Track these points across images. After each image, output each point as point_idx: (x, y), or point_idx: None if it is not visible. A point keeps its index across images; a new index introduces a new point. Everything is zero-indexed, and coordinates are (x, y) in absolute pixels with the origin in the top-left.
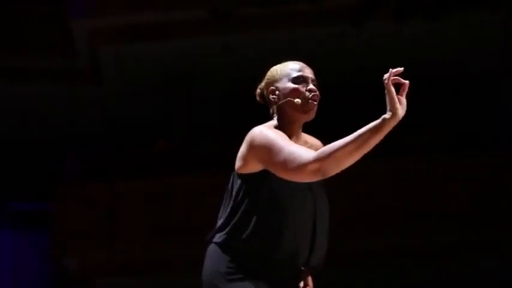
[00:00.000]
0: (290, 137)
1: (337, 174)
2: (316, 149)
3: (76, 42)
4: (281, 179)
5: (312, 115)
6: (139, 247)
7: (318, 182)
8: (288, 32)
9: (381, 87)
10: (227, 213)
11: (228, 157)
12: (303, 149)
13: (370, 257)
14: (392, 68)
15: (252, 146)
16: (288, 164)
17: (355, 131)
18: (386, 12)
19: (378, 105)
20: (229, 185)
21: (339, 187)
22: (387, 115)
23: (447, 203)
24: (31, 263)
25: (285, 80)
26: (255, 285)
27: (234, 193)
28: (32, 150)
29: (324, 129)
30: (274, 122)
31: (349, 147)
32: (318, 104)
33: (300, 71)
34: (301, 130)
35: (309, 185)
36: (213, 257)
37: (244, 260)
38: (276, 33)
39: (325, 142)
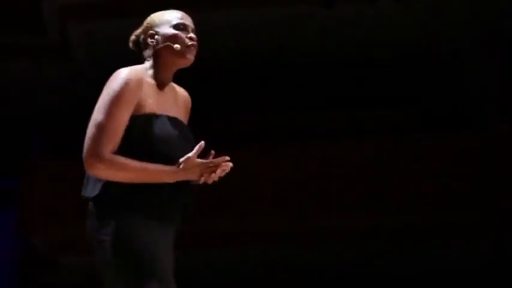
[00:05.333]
0: (162, 83)
1: (310, 156)
2: (184, 100)
3: (46, 19)
4: (150, 120)
5: (189, 62)
6: None
7: (186, 130)
8: (258, 11)
9: (349, 67)
10: None
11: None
12: (111, 138)
13: (339, 237)
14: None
15: (105, 87)
16: (91, 134)
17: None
18: None
19: (345, 84)
20: None
21: (310, 167)
22: (175, 168)
23: (417, 183)
24: None
25: (165, 25)
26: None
27: None
28: (1, 127)
29: (294, 106)
30: (147, 65)
31: (131, 175)
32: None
33: (181, 18)
34: (172, 77)
35: (180, 130)
36: (99, 214)
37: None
38: (245, 13)
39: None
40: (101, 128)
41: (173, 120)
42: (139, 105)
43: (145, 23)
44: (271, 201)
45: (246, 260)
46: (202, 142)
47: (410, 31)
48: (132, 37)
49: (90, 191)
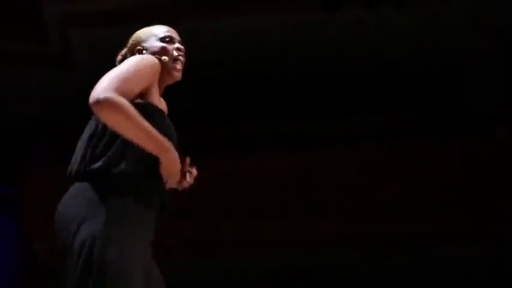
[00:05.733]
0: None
1: (310, 161)
2: (163, 107)
3: (48, 26)
4: (163, 116)
5: (176, 78)
6: None
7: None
8: (259, 18)
9: (352, 73)
10: (102, 144)
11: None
12: (127, 88)
13: (342, 243)
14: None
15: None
16: (106, 77)
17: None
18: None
19: (345, 90)
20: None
21: (312, 173)
22: (167, 153)
23: (418, 189)
24: None
25: (152, 39)
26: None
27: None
28: (1, 133)
29: (294, 113)
30: None
31: (133, 128)
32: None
33: (167, 31)
34: (162, 93)
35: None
36: (84, 196)
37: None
38: (246, 20)
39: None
40: (119, 75)
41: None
42: (150, 90)
43: (130, 41)
44: (272, 208)
45: (246, 268)
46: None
47: (411, 37)
48: (119, 57)
49: (84, 167)
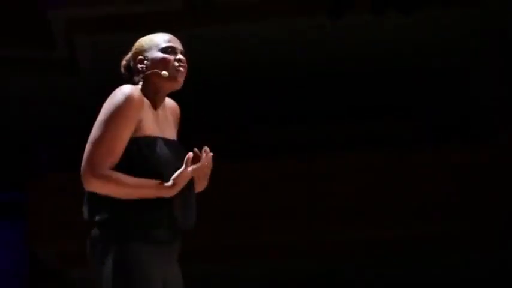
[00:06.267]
0: (155, 105)
1: (311, 167)
2: (172, 112)
3: (53, 32)
4: (151, 143)
5: (178, 85)
6: None
7: (182, 153)
8: (264, 24)
9: (356, 78)
10: None
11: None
12: (109, 154)
13: (342, 247)
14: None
15: (106, 102)
16: (89, 150)
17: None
18: (362, 4)
19: (350, 96)
20: None
21: (313, 178)
22: (169, 183)
23: (422, 194)
24: (2, 256)
25: (154, 49)
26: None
27: None
28: (6, 140)
29: (306, 118)
30: (140, 87)
31: (124, 191)
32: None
33: (169, 41)
34: (164, 99)
35: (177, 153)
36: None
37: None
38: (250, 25)
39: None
40: (99, 143)
41: (170, 143)
42: (139, 125)
43: (134, 48)
44: (272, 214)
45: (246, 273)
46: (190, 154)
47: (415, 43)
48: (123, 62)
49: (92, 215)
